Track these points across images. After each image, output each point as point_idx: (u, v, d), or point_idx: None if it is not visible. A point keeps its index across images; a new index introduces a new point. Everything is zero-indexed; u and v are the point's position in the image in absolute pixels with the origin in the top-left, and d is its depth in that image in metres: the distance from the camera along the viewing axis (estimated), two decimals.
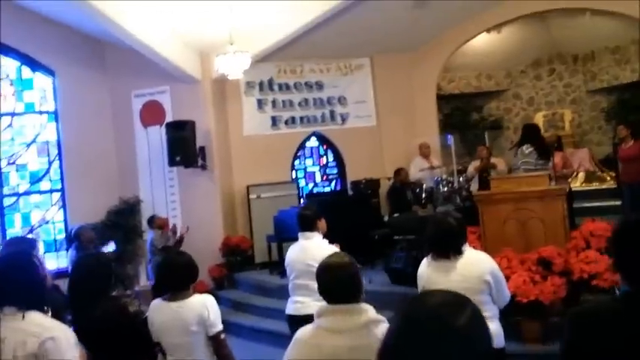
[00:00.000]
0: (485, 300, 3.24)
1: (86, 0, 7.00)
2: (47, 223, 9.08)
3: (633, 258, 1.78)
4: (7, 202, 8.90)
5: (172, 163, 8.71)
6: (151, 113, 9.43)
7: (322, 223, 4.24)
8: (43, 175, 9.12)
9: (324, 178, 10.54)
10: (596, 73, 12.11)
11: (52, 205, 9.13)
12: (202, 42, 8.75)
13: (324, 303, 3.94)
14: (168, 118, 9.21)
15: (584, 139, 12.36)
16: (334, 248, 4.10)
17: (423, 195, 8.76)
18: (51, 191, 9.15)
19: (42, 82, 9.19)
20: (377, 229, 8.43)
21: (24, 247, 3.53)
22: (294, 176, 10.10)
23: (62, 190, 9.10)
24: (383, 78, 10.25)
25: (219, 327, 3.23)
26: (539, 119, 12.24)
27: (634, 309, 1.75)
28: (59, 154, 9.13)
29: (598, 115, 12.26)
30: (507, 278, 4.12)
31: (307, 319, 3.92)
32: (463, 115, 12.87)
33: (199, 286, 8.68)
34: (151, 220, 8.16)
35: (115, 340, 2.77)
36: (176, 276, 3.26)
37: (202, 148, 8.94)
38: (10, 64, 8.98)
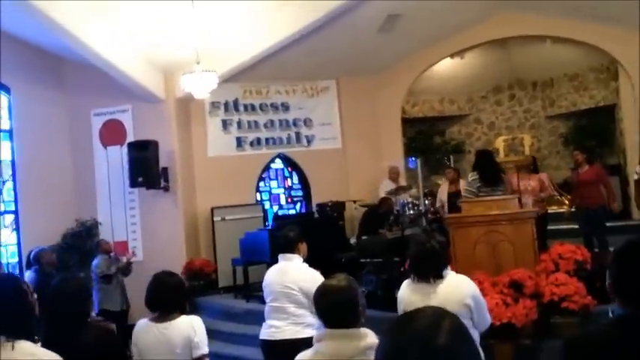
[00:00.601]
0: (465, 325, 3.16)
1: (47, 13, 6.79)
2: None
3: (634, 279, 1.74)
4: None
5: (134, 184, 8.46)
6: (112, 133, 9.17)
7: (303, 247, 4.13)
8: None
9: (289, 200, 10.42)
10: (554, 99, 12.44)
11: (4, 227, 8.69)
12: (166, 60, 8.58)
13: (299, 328, 3.84)
14: (130, 138, 8.98)
15: (543, 163, 12.59)
16: (314, 273, 3.99)
17: (390, 218, 8.71)
18: (4, 213, 8.72)
19: None
20: (343, 251, 8.34)
21: None
22: (258, 198, 9.95)
23: (16, 211, 8.69)
24: (349, 100, 10.26)
25: (205, 350, 3.11)
26: (499, 144, 12.45)
27: (631, 333, 1.69)
28: (13, 174, 8.73)
29: (556, 140, 12.56)
30: None
31: (282, 344, 3.82)
32: (426, 139, 13.00)
33: None
34: (98, 245, 7.90)
35: None
36: (164, 297, 3.15)
37: (165, 169, 8.72)
38: None
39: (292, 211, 10.29)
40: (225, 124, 9.60)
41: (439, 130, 13.31)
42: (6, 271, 8.04)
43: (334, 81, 10.27)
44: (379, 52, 9.57)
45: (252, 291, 8.10)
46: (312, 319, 3.86)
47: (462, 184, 8.41)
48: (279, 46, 8.49)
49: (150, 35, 7.95)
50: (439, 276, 3.19)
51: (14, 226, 8.67)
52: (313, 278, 3.95)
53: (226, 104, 9.61)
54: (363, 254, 7.84)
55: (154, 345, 3.07)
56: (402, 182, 9.78)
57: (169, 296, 3.16)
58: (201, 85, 7.45)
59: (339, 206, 9.50)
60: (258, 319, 7.24)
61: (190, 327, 3.09)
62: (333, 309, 2.34)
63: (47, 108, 8.97)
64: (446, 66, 11.25)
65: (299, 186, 10.42)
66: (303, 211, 10.26)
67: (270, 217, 9.95)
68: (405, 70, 10.30)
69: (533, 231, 5.59)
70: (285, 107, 9.99)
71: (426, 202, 9.35)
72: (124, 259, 7.73)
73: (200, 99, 8.64)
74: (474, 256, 5.62)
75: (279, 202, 10.34)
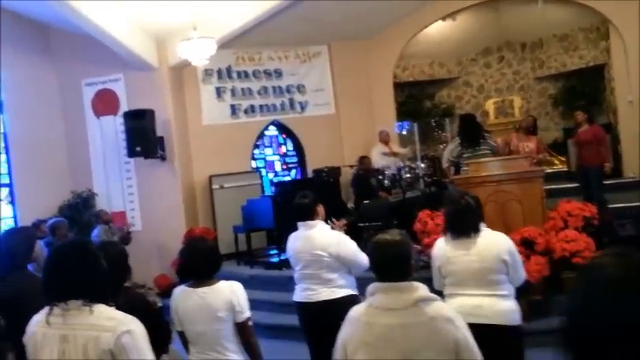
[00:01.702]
0: (501, 279, 3.25)
1: None
2: None
3: None
4: None
5: (132, 154, 8.36)
6: (105, 102, 9.00)
7: (321, 209, 4.12)
8: None
9: (284, 167, 10.41)
10: (544, 60, 12.46)
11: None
12: (158, 28, 8.40)
13: (334, 289, 3.89)
14: (123, 108, 8.83)
15: None
16: (338, 234, 4.02)
17: (386, 182, 8.77)
18: None
19: None
20: (343, 216, 8.37)
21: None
22: (254, 166, 9.91)
23: (10, 184, 8.54)
24: (341, 66, 10.20)
25: (248, 313, 3.12)
26: (489, 106, 12.51)
27: None
28: (6, 147, 8.53)
29: (546, 101, 12.63)
30: None
31: (319, 305, 3.87)
32: (417, 103, 13.00)
33: (162, 280, 8.45)
34: (98, 215, 7.89)
35: None
36: (199, 263, 3.12)
37: (161, 138, 8.61)
38: None
39: (287, 178, 10.28)
40: (219, 92, 9.47)
41: (429, 93, 13.31)
42: None
43: (326, 46, 10.18)
44: (370, 16, 9.48)
45: (256, 257, 8.16)
46: (343, 280, 3.92)
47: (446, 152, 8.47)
48: (271, 12, 8.36)
49: (142, 2, 7.74)
50: (478, 229, 3.25)
51: (10, 199, 8.53)
52: (338, 240, 3.99)
53: (219, 71, 9.47)
54: (362, 219, 7.90)
55: (195, 311, 3.06)
56: (394, 146, 9.85)
57: (204, 261, 3.14)
58: (199, 52, 7.33)
59: (334, 171, 9.52)
60: (263, 284, 7.40)
61: (231, 292, 3.08)
62: (387, 262, 2.36)
63: (37, 79, 8.76)
64: (436, 29, 11.20)
65: (294, 152, 10.40)
66: (299, 177, 10.26)
67: (267, 184, 9.94)
68: (396, 34, 10.24)
69: (541, 190, 5.68)
70: (278, 74, 9.89)
71: (422, 165, 9.41)
72: (125, 229, 7.88)
73: (193, 67, 8.52)
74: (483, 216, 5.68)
75: (274, 169, 10.32)
